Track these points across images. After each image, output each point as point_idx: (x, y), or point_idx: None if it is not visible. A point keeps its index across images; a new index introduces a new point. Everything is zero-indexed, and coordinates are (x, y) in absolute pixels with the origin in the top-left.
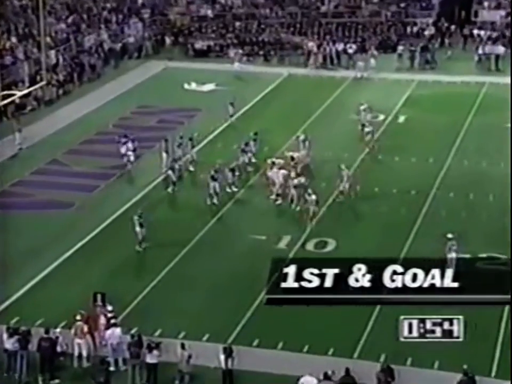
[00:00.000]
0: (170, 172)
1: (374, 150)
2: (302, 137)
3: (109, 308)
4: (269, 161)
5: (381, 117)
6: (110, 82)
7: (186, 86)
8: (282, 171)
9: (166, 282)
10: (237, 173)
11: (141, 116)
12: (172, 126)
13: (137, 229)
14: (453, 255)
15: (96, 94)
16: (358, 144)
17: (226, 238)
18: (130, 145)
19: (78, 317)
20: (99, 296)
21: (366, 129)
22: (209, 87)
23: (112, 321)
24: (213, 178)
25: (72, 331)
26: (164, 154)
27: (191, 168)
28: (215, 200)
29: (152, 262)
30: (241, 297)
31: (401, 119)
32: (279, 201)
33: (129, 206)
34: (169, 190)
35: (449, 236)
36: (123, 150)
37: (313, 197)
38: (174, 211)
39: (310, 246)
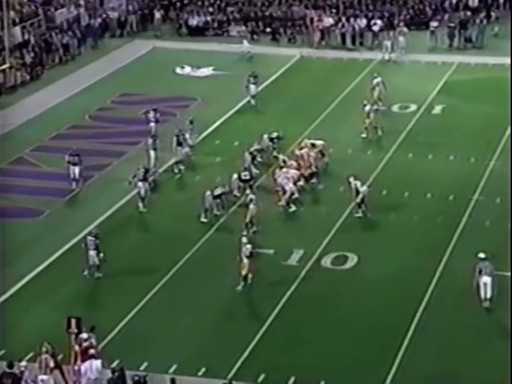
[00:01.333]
0: (140, 184)
1: (373, 134)
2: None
3: (85, 335)
4: (280, 158)
5: (412, 107)
6: (86, 65)
7: (178, 70)
8: (293, 172)
9: (154, 306)
10: (248, 178)
11: (124, 105)
12: (161, 119)
13: (91, 252)
14: (485, 279)
15: (69, 79)
16: (384, 140)
17: (225, 252)
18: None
19: (44, 349)
20: (73, 322)
21: (366, 108)
22: (206, 71)
23: (90, 352)
24: (215, 197)
25: (37, 365)
26: (152, 153)
27: (180, 168)
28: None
29: (138, 281)
30: (243, 325)
31: (437, 109)
32: (292, 209)
33: (111, 214)
34: (140, 207)
35: (481, 255)
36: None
37: (251, 196)
38: (167, 219)
39: (326, 261)
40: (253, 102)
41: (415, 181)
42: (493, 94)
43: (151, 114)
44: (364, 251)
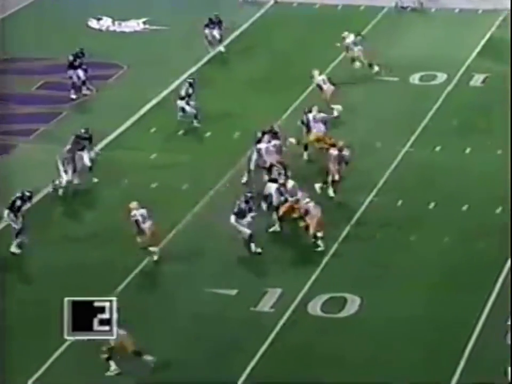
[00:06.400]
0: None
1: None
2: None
3: None
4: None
5: (440, 77)
6: None
7: (92, 23)
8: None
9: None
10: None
11: (7, 76)
12: (67, 98)
13: None
14: None
15: None
16: (399, 122)
17: (164, 297)
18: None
19: None
20: None
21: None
22: (135, 25)
23: None
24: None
25: None
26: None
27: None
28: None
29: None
30: None
31: (477, 80)
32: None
33: None
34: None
35: None
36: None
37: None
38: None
39: (315, 306)
40: (222, 49)
41: (445, 187)
42: None
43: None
44: (370, 291)
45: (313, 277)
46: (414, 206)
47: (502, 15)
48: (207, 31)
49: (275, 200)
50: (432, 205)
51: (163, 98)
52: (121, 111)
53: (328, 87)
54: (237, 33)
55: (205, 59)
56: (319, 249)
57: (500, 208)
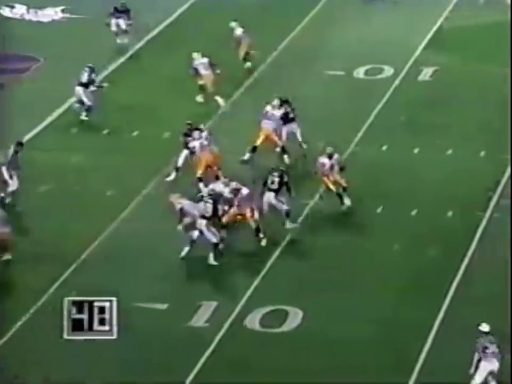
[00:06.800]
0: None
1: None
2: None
3: None
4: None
5: (388, 70)
6: None
7: (4, 11)
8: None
9: None
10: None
11: None
12: None
13: None
14: (491, 366)
15: None
16: (342, 123)
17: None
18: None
19: None
20: None
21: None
22: (52, 14)
23: None
24: None
25: None
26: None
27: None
28: None
29: None
30: None
31: (426, 74)
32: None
33: None
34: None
35: (484, 328)
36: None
37: None
38: None
39: (253, 320)
40: (125, 40)
41: (393, 189)
42: None
43: None
44: (312, 303)
45: (251, 288)
46: (360, 210)
47: (450, 5)
48: (112, 20)
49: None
50: (379, 209)
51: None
52: (38, 109)
53: (208, 74)
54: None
55: (131, 52)
56: (262, 243)
57: (451, 212)
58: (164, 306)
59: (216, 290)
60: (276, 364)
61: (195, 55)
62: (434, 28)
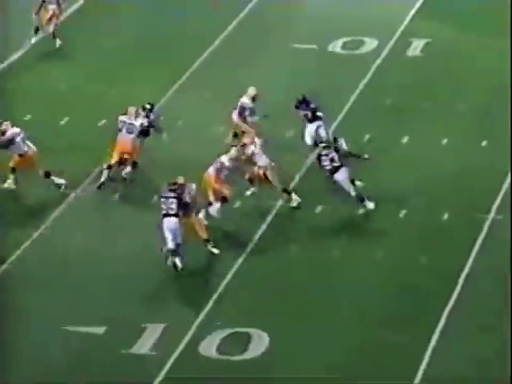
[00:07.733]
0: None
1: None
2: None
3: None
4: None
5: (371, 43)
6: None
7: None
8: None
9: None
10: None
11: None
12: None
13: None
14: None
15: None
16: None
17: None
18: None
19: None
20: None
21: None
22: None
23: None
24: None
25: None
26: None
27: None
28: None
29: None
30: None
31: (416, 48)
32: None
33: None
34: None
35: None
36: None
37: None
38: None
39: (210, 345)
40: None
41: (378, 186)
42: None
43: None
44: (279, 325)
45: (206, 308)
46: (337, 213)
47: None
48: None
49: None
50: (361, 209)
51: None
52: None
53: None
54: None
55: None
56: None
57: (446, 215)
58: (101, 330)
59: (164, 310)
60: None
61: None
62: None
